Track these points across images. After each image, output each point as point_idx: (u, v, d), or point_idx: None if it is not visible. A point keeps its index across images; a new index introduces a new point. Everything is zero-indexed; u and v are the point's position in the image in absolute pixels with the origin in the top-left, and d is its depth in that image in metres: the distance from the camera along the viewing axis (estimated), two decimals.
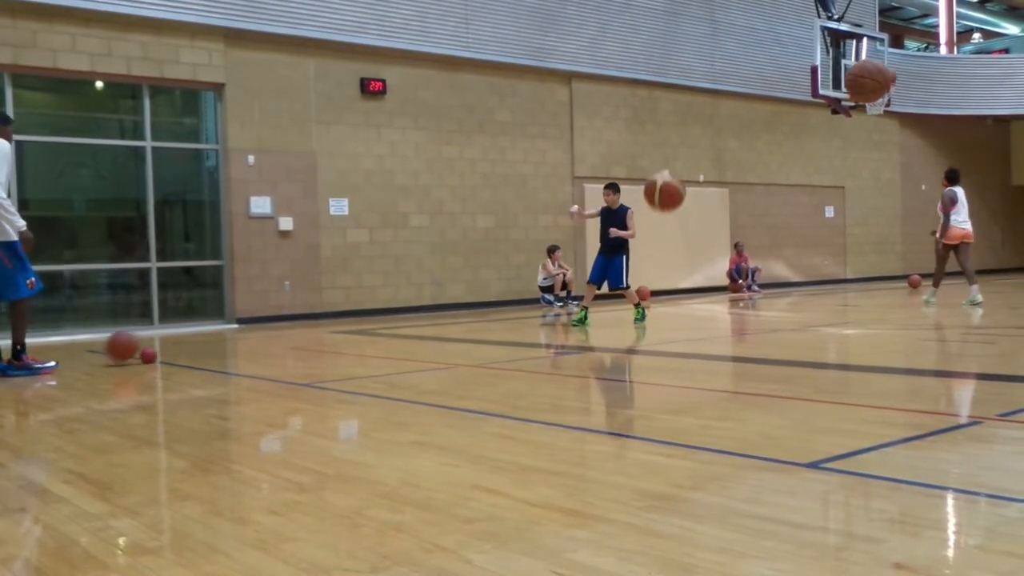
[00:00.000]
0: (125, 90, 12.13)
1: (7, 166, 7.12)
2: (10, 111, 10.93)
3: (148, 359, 7.86)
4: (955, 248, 12.26)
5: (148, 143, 11.99)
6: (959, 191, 12.16)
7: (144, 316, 12.05)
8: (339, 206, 13.29)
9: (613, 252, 10.35)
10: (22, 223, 7.13)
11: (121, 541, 2.76)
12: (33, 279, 7.22)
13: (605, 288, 10.59)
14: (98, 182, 12.89)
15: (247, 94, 12.47)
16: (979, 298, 11.77)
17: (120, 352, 7.73)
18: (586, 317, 10.44)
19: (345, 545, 2.59)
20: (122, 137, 12.52)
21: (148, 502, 3.23)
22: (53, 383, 6.82)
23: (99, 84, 12.00)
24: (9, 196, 7.21)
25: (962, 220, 12.14)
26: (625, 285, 10.38)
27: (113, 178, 12.90)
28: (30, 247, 7.27)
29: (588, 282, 10.66)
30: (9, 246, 7.06)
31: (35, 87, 11.92)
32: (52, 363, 7.46)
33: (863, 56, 16.77)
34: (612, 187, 10.60)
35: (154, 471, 3.84)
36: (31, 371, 7.26)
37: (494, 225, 14.95)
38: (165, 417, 5.35)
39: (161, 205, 12.31)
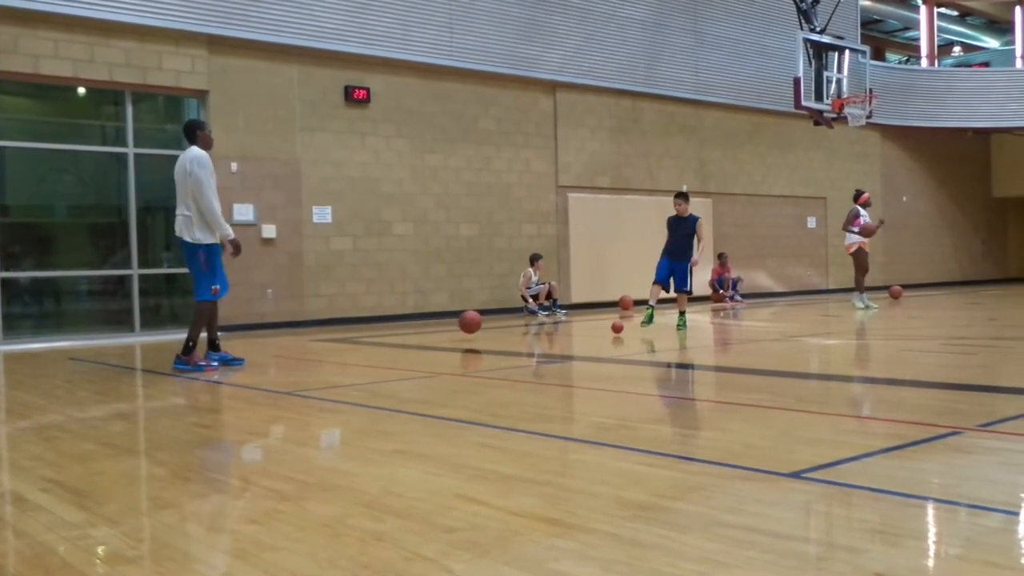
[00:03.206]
0: (107, 96, 12.07)
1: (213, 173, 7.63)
2: None
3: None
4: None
5: (130, 149, 11.93)
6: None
7: (125, 323, 11.97)
8: (322, 214, 13.26)
9: (682, 257, 10.59)
10: (229, 231, 7.60)
11: (100, 550, 2.73)
12: (218, 286, 7.66)
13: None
14: (80, 188, 12.82)
15: (230, 101, 12.43)
16: (858, 304, 13.93)
17: (469, 327, 10.14)
18: (652, 317, 10.67)
19: (326, 554, 2.58)
20: (104, 143, 12.45)
21: (127, 511, 3.20)
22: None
23: (81, 90, 11.94)
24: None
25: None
26: (689, 289, 10.65)
27: (95, 184, 12.83)
28: (235, 252, 7.72)
29: (654, 282, 10.87)
30: (209, 249, 7.55)
31: (17, 92, 11.84)
32: (215, 363, 7.84)
33: (844, 69, 16.91)
34: (682, 196, 10.91)
35: (133, 479, 3.81)
36: (196, 367, 7.58)
37: (478, 234, 14.95)
38: (145, 425, 5.31)
39: (143, 212, 12.24)
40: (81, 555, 2.67)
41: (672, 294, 11.03)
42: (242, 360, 8.11)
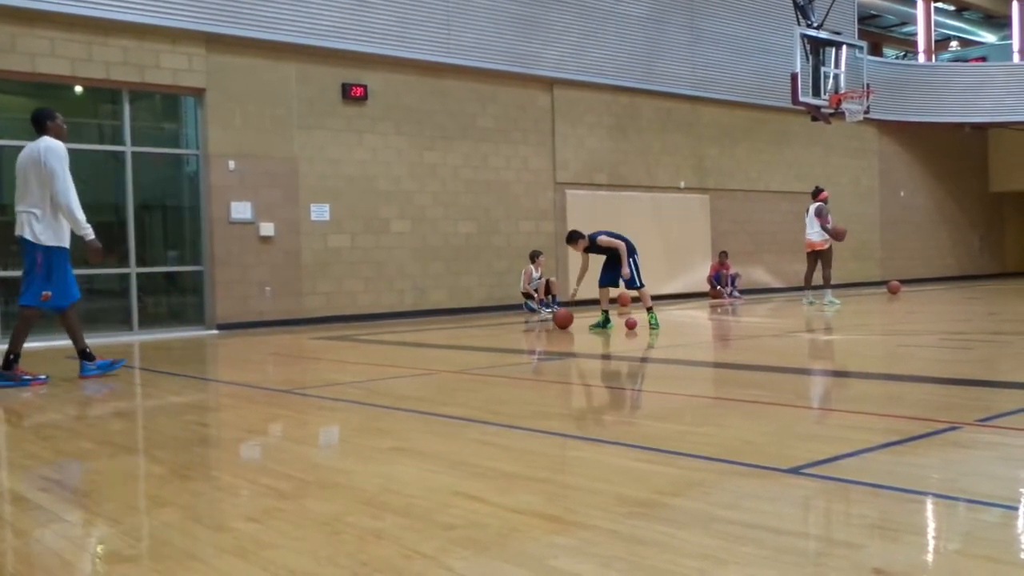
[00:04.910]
0: (105, 95, 12.05)
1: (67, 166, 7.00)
2: None
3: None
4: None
5: (128, 148, 11.91)
6: (809, 207, 14.31)
7: (124, 322, 11.96)
8: (320, 211, 13.25)
9: (617, 264, 10.26)
10: (91, 231, 7.04)
11: (99, 549, 2.73)
12: (49, 293, 6.96)
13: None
14: (77, 187, 12.74)
15: (228, 99, 12.42)
16: (808, 300, 14.24)
17: (563, 322, 10.72)
18: (607, 321, 10.39)
19: (325, 552, 2.58)
20: (102, 142, 12.43)
21: (126, 509, 3.20)
22: (43, 392, 6.63)
23: (79, 89, 11.92)
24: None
25: (807, 233, 14.29)
26: (639, 284, 10.32)
27: (93, 183, 12.76)
28: (97, 256, 7.14)
29: (600, 286, 10.52)
30: (48, 251, 6.92)
31: (14, 91, 11.82)
32: (43, 376, 7.11)
33: (842, 64, 16.91)
34: (570, 238, 10.45)
35: (132, 478, 3.80)
36: (20, 382, 6.92)
37: (476, 231, 14.95)
38: (144, 423, 5.31)
39: (141, 210, 12.24)
40: (80, 554, 2.67)
41: (623, 292, 10.79)
42: (123, 360, 7.70)
